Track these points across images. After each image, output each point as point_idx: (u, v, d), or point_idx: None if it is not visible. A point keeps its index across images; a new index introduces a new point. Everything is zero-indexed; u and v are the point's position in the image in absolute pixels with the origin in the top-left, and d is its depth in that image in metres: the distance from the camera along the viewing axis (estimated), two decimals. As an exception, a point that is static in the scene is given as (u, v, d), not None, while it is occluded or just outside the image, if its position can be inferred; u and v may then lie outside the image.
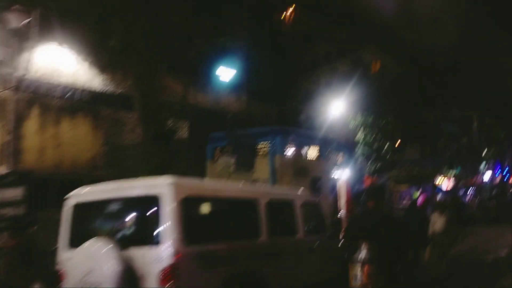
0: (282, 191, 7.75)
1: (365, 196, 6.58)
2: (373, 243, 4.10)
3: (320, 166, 14.00)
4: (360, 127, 27.35)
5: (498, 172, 32.09)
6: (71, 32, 11.49)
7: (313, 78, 39.12)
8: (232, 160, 10.84)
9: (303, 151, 13.49)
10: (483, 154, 30.20)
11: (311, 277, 6.52)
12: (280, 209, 6.44)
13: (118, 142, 12.48)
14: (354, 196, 17.61)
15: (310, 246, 6.60)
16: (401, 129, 26.35)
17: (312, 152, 13.96)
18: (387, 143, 26.25)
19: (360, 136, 27.46)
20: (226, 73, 14.66)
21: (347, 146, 17.54)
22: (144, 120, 10.12)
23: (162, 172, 8.98)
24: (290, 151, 12.93)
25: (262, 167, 12.44)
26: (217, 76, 14.69)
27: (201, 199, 5.44)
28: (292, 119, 16.91)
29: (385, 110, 25.84)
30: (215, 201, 5.62)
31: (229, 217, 5.71)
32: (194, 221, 5.08)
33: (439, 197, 28.65)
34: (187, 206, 4.82)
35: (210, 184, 7.04)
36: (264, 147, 12.75)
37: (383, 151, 26.68)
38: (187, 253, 4.65)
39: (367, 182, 26.14)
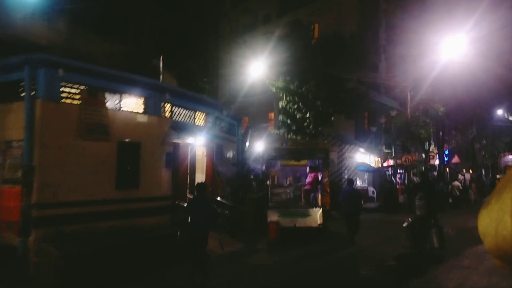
0: None
1: (420, 175, 15.84)
2: (424, 196, 9.94)
3: (144, 125, 9.95)
4: (282, 94, 23.58)
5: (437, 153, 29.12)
6: None
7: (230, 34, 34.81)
8: None
9: (112, 101, 9.36)
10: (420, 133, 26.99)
11: None
12: None
13: None
14: (236, 174, 13.88)
15: None
16: (323, 98, 22.47)
17: (134, 105, 9.89)
18: (308, 114, 22.57)
19: (282, 103, 23.70)
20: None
21: (216, 104, 13.62)
22: None
23: None
24: (83, 98, 8.77)
25: (15, 120, 8.22)
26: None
27: None
28: (145, 66, 12.73)
29: (306, 75, 22.00)
30: None
31: None
32: None
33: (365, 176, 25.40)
34: None
35: None
36: (18, 88, 8.44)
37: (305, 122, 23.03)
38: None
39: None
